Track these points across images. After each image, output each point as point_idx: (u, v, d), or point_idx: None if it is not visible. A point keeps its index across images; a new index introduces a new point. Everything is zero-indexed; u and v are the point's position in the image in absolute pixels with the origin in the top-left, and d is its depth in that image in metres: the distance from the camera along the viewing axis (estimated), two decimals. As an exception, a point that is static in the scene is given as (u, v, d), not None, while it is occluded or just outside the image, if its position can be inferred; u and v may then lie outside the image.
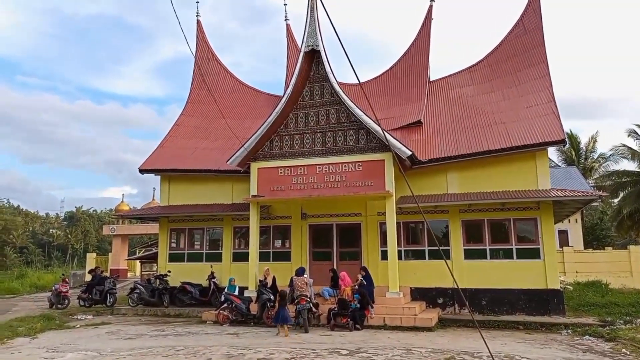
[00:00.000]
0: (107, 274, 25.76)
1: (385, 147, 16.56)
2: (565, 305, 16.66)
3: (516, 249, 17.17)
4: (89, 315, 18.59)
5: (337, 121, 17.89)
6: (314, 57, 18.27)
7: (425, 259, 18.00)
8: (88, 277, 25.90)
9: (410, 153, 16.65)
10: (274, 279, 16.61)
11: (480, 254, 17.47)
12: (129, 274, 39.13)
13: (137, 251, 41.93)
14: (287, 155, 18.17)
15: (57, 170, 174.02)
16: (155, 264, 27.13)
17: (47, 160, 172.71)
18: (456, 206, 17.69)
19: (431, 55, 23.99)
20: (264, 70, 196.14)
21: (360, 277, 15.81)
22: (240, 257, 19.77)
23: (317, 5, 17.89)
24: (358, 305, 14.60)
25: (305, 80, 18.42)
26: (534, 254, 16.93)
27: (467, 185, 17.90)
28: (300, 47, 18.62)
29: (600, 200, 30.09)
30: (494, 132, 18.30)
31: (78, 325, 16.10)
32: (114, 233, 38.74)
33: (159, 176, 22.41)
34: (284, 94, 18.68)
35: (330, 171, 17.54)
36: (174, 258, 21.39)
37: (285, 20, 28.45)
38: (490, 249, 17.44)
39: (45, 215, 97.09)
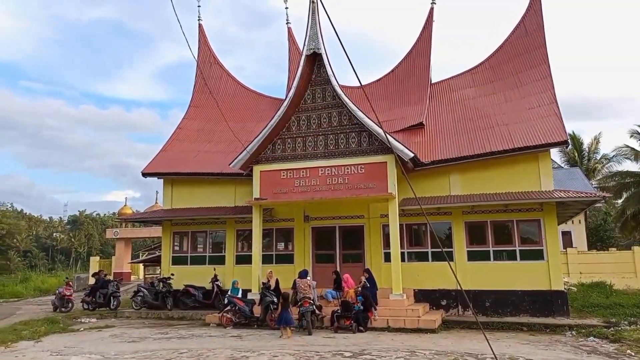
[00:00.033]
0: (111, 278, 25.88)
1: (387, 149, 16.57)
2: (569, 306, 16.61)
3: (519, 250, 17.14)
4: (93, 319, 18.62)
5: (339, 124, 17.91)
6: (315, 60, 18.31)
7: (428, 260, 17.98)
8: (92, 281, 25.96)
9: (412, 155, 16.66)
10: (277, 282, 16.63)
11: (484, 256, 17.44)
12: (132, 277, 39.24)
13: (141, 254, 42.04)
14: (290, 158, 18.19)
15: (62, 175, 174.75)
16: (158, 267, 27.19)
17: (52, 165, 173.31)
18: (459, 208, 17.67)
19: (432, 56, 24.02)
20: (266, 73, 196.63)
21: (363, 279, 15.80)
22: (243, 259, 19.79)
23: (318, 8, 17.94)
24: (361, 307, 14.58)
25: (307, 83, 18.45)
26: (538, 255, 16.89)
27: (470, 187, 17.89)
28: (301, 50, 18.65)
29: (603, 201, 30.04)
30: (497, 134, 18.29)
31: (82, 329, 16.13)
32: (117, 236, 38.85)
33: (162, 179, 22.45)
34: (286, 97, 18.70)
35: (333, 174, 17.54)
36: (177, 261, 21.41)
37: (287, 23, 28.53)
38: (493, 251, 17.41)
39: (49, 219, 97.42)
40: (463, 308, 17.15)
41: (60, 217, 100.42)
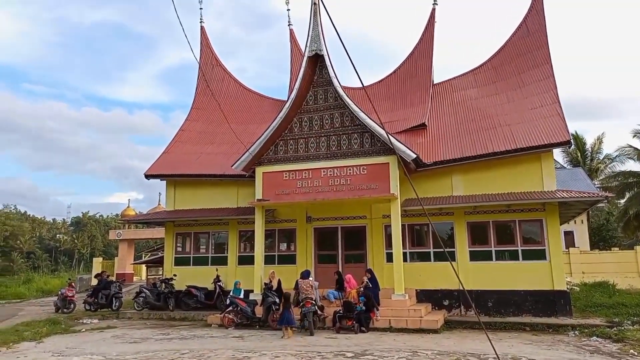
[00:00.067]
0: (113, 278, 25.88)
1: (389, 150, 16.58)
2: (572, 306, 16.58)
3: (522, 250, 17.11)
4: (95, 320, 18.64)
5: (342, 125, 17.92)
6: (317, 61, 18.32)
7: (430, 260, 17.97)
8: (94, 282, 26.01)
9: (414, 156, 16.65)
10: (279, 282, 16.62)
11: (486, 256, 17.41)
12: (135, 278, 39.33)
13: (143, 255, 42.10)
14: (292, 159, 18.21)
15: (64, 177, 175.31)
16: (161, 268, 27.21)
17: (54, 167, 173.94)
18: (461, 208, 17.65)
19: (434, 57, 24.02)
20: (268, 75, 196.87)
21: (365, 279, 15.78)
22: (246, 260, 19.81)
23: (320, 10, 17.95)
24: (363, 308, 14.57)
25: (309, 84, 18.47)
26: (540, 255, 16.86)
27: (472, 187, 17.87)
28: (303, 51, 18.67)
29: (606, 201, 30.03)
30: (499, 134, 18.27)
31: (84, 329, 16.14)
32: (120, 238, 38.94)
33: (165, 181, 22.49)
34: (288, 98, 18.73)
35: (335, 174, 17.55)
36: (179, 262, 21.44)
37: (289, 25, 28.58)
38: (495, 251, 17.38)
39: (52, 221, 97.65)
40: (465, 308, 17.13)
41: (64, 219, 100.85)
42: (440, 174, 18.24)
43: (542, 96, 19.21)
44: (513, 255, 17.16)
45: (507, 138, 17.80)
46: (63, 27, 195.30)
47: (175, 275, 20.64)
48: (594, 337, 13.11)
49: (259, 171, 18.46)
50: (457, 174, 18.20)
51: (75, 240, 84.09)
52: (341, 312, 14.75)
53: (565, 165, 40.89)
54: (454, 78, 23.76)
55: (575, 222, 31.84)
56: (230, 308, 16.27)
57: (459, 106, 21.49)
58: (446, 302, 17.41)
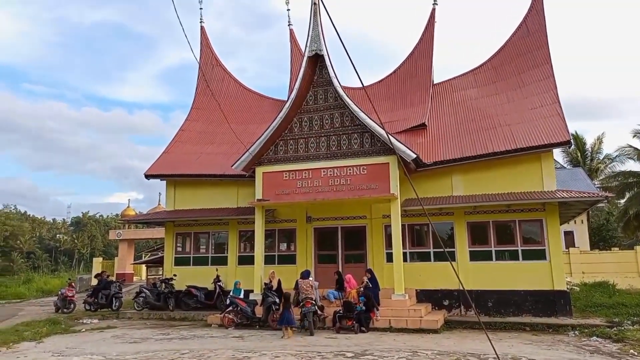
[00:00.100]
0: (113, 278, 25.88)
1: (389, 150, 16.58)
2: (572, 306, 16.58)
3: (522, 250, 17.11)
4: (95, 319, 18.64)
5: (342, 125, 17.92)
6: (317, 61, 18.32)
7: (430, 260, 17.97)
8: (94, 282, 26.01)
9: (414, 156, 16.65)
10: (279, 282, 16.61)
11: (486, 256, 17.41)
12: (135, 278, 39.33)
13: (143, 255, 42.11)
14: (292, 159, 18.21)
15: (64, 177, 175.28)
16: (161, 268, 27.21)
17: (54, 167, 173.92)
18: (461, 208, 17.66)
19: (434, 57, 24.02)
20: (268, 75, 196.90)
21: (365, 279, 15.78)
22: (246, 260, 19.81)
23: (320, 10, 17.95)
24: (363, 308, 14.57)
25: (309, 84, 18.46)
26: (540, 255, 16.86)
27: (472, 187, 17.86)
28: (303, 51, 18.67)
29: (606, 201, 30.02)
30: (499, 134, 18.27)
31: (83, 329, 16.14)
32: (120, 238, 38.94)
33: (165, 181, 22.49)
34: (288, 98, 18.73)
35: (335, 174, 17.55)
36: (179, 262, 21.44)
37: (289, 25, 28.58)
38: (495, 251, 17.38)
39: (52, 221, 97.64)
40: (465, 308, 17.13)
41: (64, 219, 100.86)
42: (440, 174, 18.24)
43: (542, 96, 19.21)
44: (513, 255, 17.16)
45: (507, 138, 17.80)
46: (63, 27, 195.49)
47: (175, 275, 20.64)
48: (594, 337, 13.11)
49: (259, 171, 18.46)
50: (457, 174, 18.20)
51: (75, 240, 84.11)
52: (341, 312, 14.75)
53: (565, 165, 40.90)
54: (454, 78, 23.76)
55: (575, 222, 31.85)
56: (230, 308, 16.28)
57: (459, 106, 21.48)
58: (446, 302, 17.41)
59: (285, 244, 20.32)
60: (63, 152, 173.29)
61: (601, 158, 42.54)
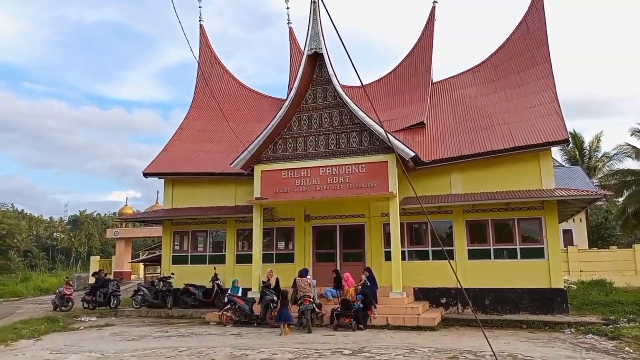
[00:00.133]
0: (111, 277, 25.91)
1: (388, 148, 16.59)
2: (569, 304, 16.62)
3: (520, 248, 17.14)
4: (93, 317, 18.64)
5: (340, 123, 17.92)
6: (316, 60, 18.32)
7: (428, 259, 17.99)
8: (92, 280, 25.99)
9: (413, 154, 16.67)
10: (277, 280, 16.65)
11: (484, 254, 17.44)
12: (132, 277, 39.26)
13: (141, 254, 42.08)
14: (291, 158, 18.21)
15: (63, 176, 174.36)
16: (158, 267, 27.22)
17: (53, 166, 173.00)
18: (460, 207, 17.68)
19: (433, 56, 24.02)
20: (268, 74, 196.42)
21: (363, 277, 15.82)
22: (244, 258, 19.82)
23: (319, 8, 17.96)
24: (361, 306, 14.61)
25: (308, 83, 18.46)
26: (538, 253, 16.90)
27: (471, 185, 17.89)
28: (303, 50, 18.66)
29: (604, 199, 30.10)
30: (497, 133, 18.29)
31: (82, 327, 16.15)
32: (118, 236, 38.88)
33: (163, 179, 22.48)
34: (287, 97, 18.71)
35: (334, 173, 17.56)
36: (177, 260, 21.43)
37: (288, 24, 28.53)
38: (494, 249, 17.41)
39: (49, 219, 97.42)
40: (463, 306, 17.16)
41: (61, 217, 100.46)
42: (438, 172, 18.26)
43: (541, 94, 19.23)
44: (511, 254, 17.20)
45: (506, 136, 17.82)
46: (63, 27, 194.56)
47: (173, 273, 20.65)
48: (590, 335, 13.16)
49: (258, 169, 18.46)
50: (456, 173, 18.22)
51: (73, 239, 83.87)
52: (339, 310, 14.78)
53: (563, 164, 40.98)
54: (453, 76, 23.75)
55: (574, 221, 31.88)
56: (229, 306, 16.30)
57: (457, 105, 21.49)
58: (444, 300, 17.45)
59: (283, 243, 20.33)
60: (62, 151, 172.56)
61: (599, 156, 42.57)
